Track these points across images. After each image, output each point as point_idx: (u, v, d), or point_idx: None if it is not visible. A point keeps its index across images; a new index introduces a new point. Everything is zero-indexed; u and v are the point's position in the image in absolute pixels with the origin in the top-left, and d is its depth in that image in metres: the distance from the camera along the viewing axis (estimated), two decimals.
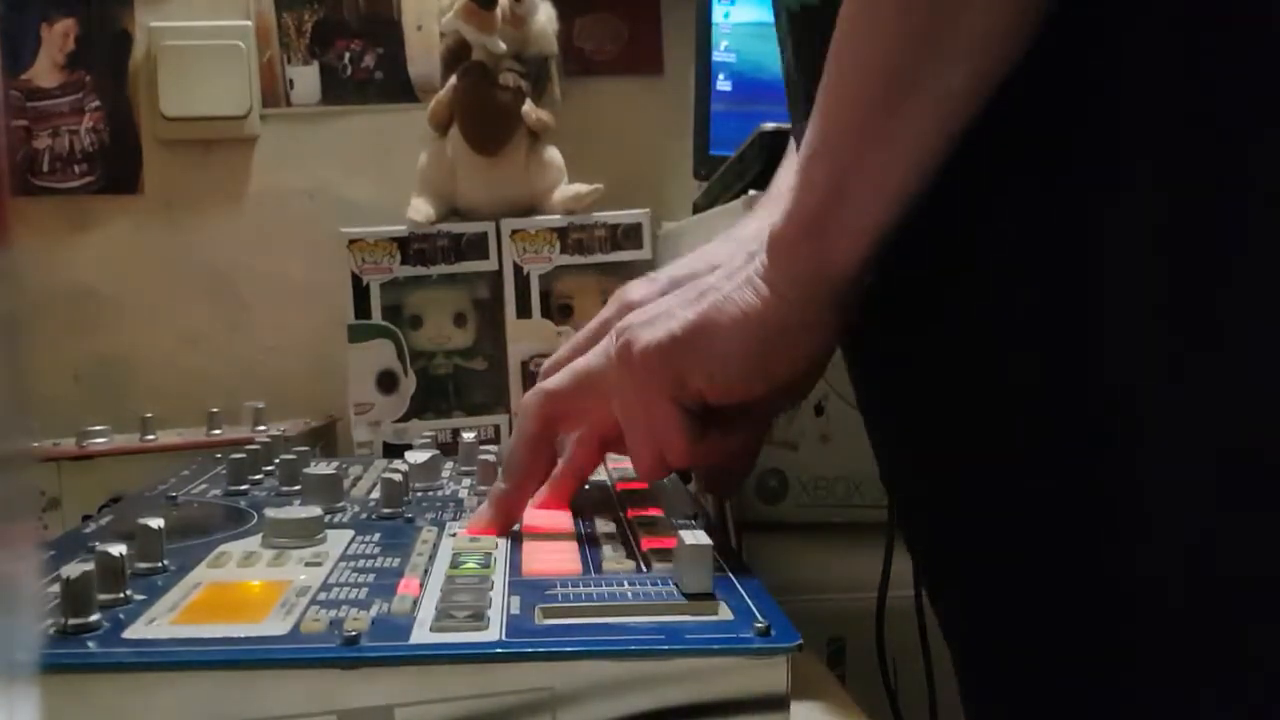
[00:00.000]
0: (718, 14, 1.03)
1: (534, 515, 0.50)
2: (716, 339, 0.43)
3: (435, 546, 0.44)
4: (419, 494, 0.55)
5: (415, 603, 0.37)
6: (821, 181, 0.40)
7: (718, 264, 0.47)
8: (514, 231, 0.98)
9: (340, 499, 0.52)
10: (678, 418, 0.45)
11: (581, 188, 0.99)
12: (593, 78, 1.21)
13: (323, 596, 0.38)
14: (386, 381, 0.97)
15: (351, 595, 0.38)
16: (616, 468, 0.64)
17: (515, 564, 0.42)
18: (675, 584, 0.39)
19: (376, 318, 0.97)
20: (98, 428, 0.87)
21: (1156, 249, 0.34)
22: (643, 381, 0.45)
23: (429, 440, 0.68)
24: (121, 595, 0.37)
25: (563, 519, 0.50)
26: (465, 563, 0.42)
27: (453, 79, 1.01)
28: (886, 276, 0.42)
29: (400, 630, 0.34)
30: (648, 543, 0.45)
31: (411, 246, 0.97)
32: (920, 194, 0.39)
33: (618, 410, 0.47)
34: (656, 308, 0.46)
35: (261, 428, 0.89)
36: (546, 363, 0.54)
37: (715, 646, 0.34)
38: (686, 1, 1.10)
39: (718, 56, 1.02)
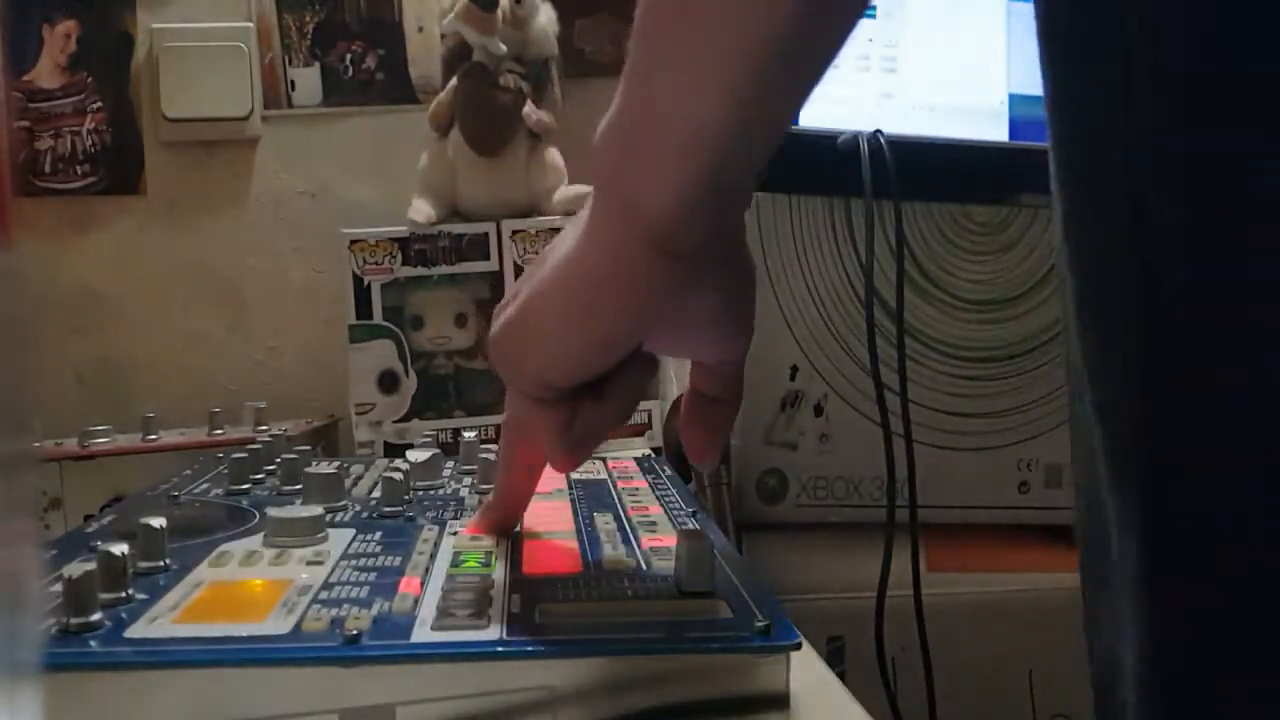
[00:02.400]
0: None
1: (534, 514, 0.50)
2: (541, 313, 0.39)
3: (436, 545, 0.45)
4: (420, 493, 0.55)
5: (416, 601, 0.37)
6: (632, 93, 0.36)
7: None
8: (514, 232, 0.98)
9: (341, 498, 0.52)
10: (533, 411, 0.41)
11: (582, 189, 1.00)
12: (593, 79, 1.21)
13: (324, 595, 0.38)
14: (388, 381, 0.97)
15: (353, 594, 0.38)
16: (616, 466, 0.64)
17: (516, 562, 0.42)
18: (675, 583, 0.39)
19: (378, 318, 0.97)
20: (100, 428, 0.87)
21: None
22: (503, 377, 0.41)
23: (430, 440, 0.68)
24: (123, 594, 0.37)
25: (563, 518, 0.50)
26: (466, 561, 0.42)
27: (453, 80, 1.01)
28: None
29: (401, 629, 0.34)
30: (648, 541, 0.46)
31: (412, 247, 0.97)
32: (743, 121, 0.35)
33: None
34: (519, 283, 0.42)
35: (263, 427, 0.89)
36: None
37: (715, 645, 0.34)
38: None
39: None
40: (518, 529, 0.48)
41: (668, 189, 0.36)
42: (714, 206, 0.37)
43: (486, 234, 0.98)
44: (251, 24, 1.18)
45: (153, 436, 0.88)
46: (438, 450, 0.61)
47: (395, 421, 0.97)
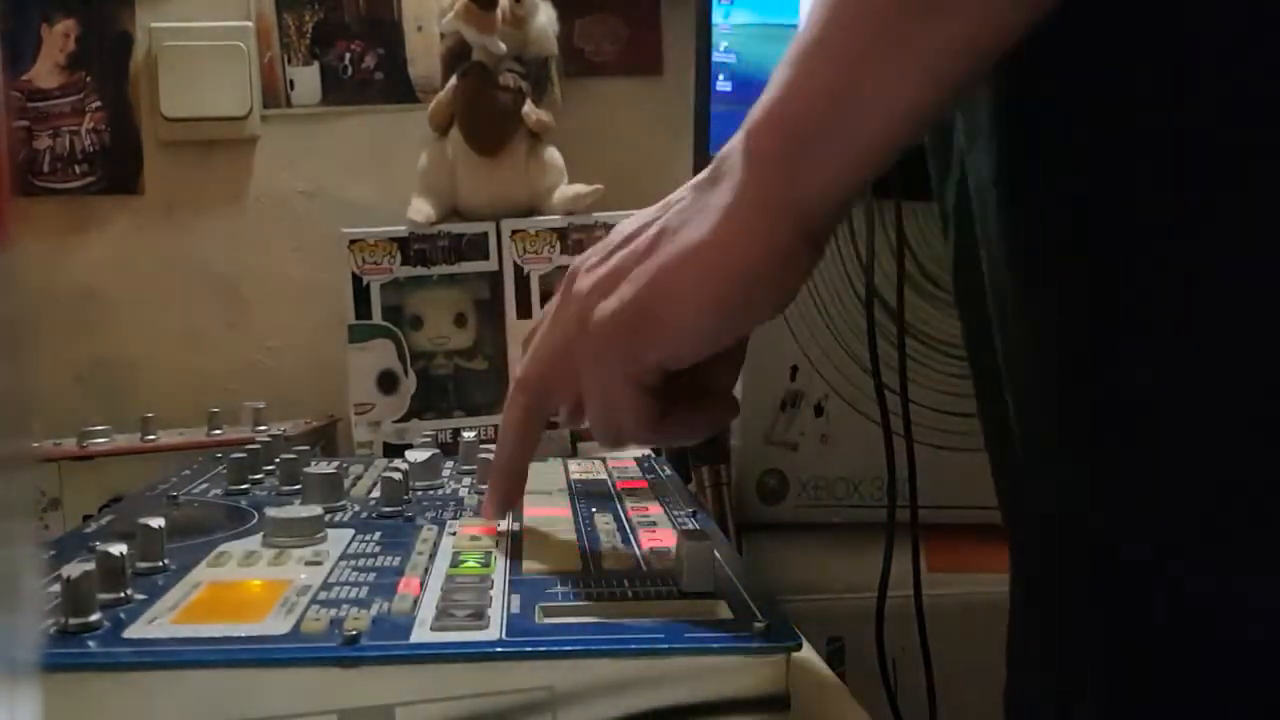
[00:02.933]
0: (717, 15, 1.03)
1: (534, 514, 0.50)
2: (672, 296, 0.37)
3: (435, 545, 0.45)
4: (419, 493, 0.55)
5: (415, 602, 0.37)
6: (820, 81, 0.34)
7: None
8: (514, 232, 0.98)
9: (340, 498, 0.52)
10: (637, 398, 0.40)
11: (581, 188, 1.00)
12: (592, 78, 1.21)
13: (323, 596, 0.38)
14: (387, 381, 0.97)
15: (352, 594, 0.38)
16: (616, 465, 0.64)
17: (516, 562, 0.42)
18: (675, 583, 0.39)
19: (377, 318, 0.97)
20: (99, 428, 0.87)
21: None
22: (600, 358, 0.40)
23: (429, 440, 0.68)
24: (122, 595, 0.37)
25: (563, 518, 0.50)
26: (465, 562, 0.42)
27: (453, 80, 1.01)
28: None
29: (400, 629, 0.34)
30: (648, 541, 0.45)
31: (412, 247, 0.97)
32: (930, 120, 0.34)
33: (581, 383, 0.42)
34: (608, 266, 0.40)
35: (262, 427, 0.89)
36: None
37: (715, 646, 0.34)
38: (686, 2, 1.10)
39: (717, 57, 1.02)
40: (518, 528, 0.48)
41: (845, 189, 0.35)
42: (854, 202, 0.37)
43: (486, 234, 0.98)
44: (251, 23, 1.18)
45: (151, 436, 0.88)
46: (437, 450, 0.60)
47: (394, 421, 0.97)
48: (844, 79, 0.34)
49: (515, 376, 0.46)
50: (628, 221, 0.42)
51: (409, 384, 0.97)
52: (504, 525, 0.48)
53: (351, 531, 0.47)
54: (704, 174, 0.38)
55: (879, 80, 0.33)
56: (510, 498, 0.48)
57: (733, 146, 0.37)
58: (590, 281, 0.40)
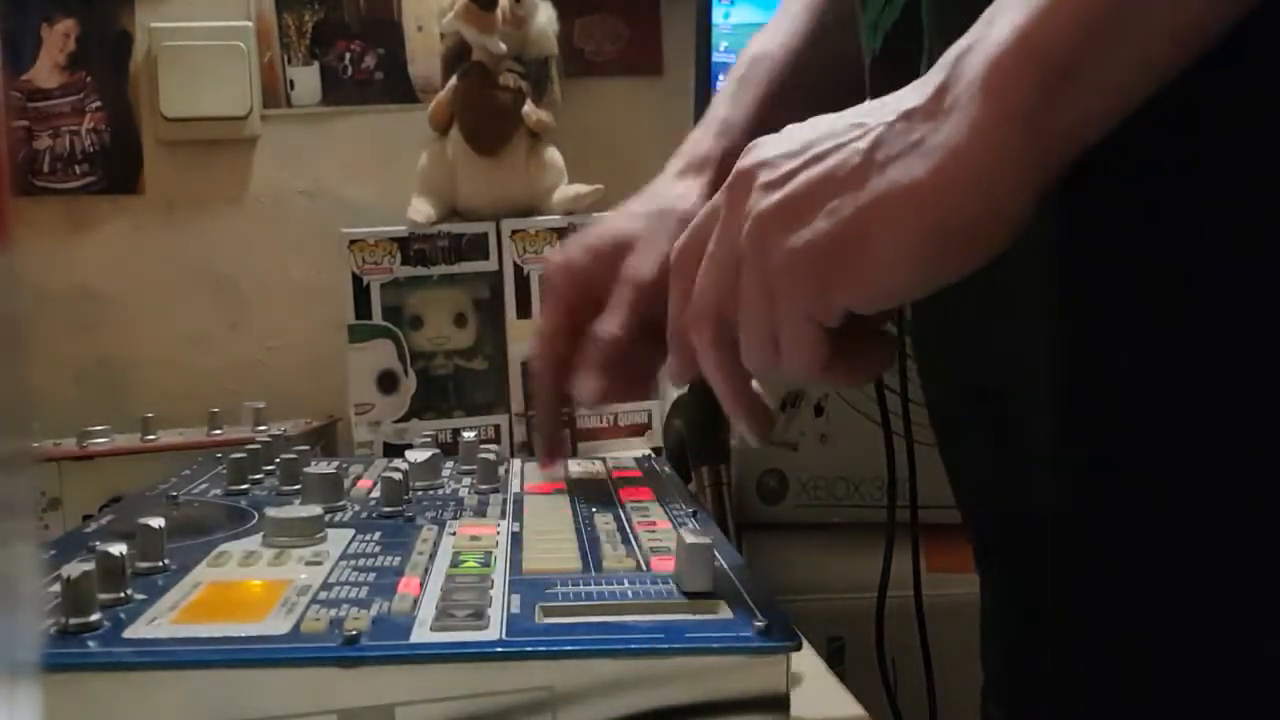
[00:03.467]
0: (718, 15, 1.03)
1: (534, 514, 0.50)
2: (875, 237, 0.33)
3: (435, 545, 0.45)
4: (419, 493, 0.55)
5: (415, 602, 0.37)
6: (1090, 7, 0.30)
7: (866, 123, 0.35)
8: (514, 232, 0.98)
9: (340, 498, 0.52)
10: (812, 338, 0.36)
11: (581, 188, 1.00)
12: (593, 78, 1.21)
13: (323, 596, 0.38)
14: (387, 381, 0.97)
15: (352, 594, 0.38)
16: (616, 467, 0.64)
17: (515, 562, 0.42)
18: (675, 583, 0.39)
19: (377, 318, 0.97)
20: (98, 428, 0.87)
21: None
22: (777, 290, 0.36)
23: (429, 440, 0.68)
24: (122, 595, 0.37)
25: (563, 518, 0.50)
26: (465, 562, 0.42)
27: (453, 80, 1.01)
28: None
29: (400, 629, 0.34)
30: (648, 541, 0.45)
31: (412, 247, 0.97)
32: (1193, 55, 0.30)
33: (742, 306, 0.38)
34: (794, 186, 0.36)
35: (262, 427, 0.89)
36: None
37: (715, 646, 0.34)
38: (686, 2, 1.10)
39: (718, 57, 1.02)
40: (518, 528, 0.48)
41: (1093, 126, 0.31)
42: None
43: (486, 234, 0.98)
44: (251, 23, 1.18)
45: (151, 437, 0.88)
46: (437, 450, 0.60)
47: (394, 421, 0.97)
48: (1116, 5, 0.30)
49: (684, 312, 0.42)
50: (805, 129, 0.37)
51: (409, 384, 0.97)
52: (503, 526, 0.48)
53: (351, 531, 0.47)
54: (917, 100, 0.34)
55: (1158, 6, 0.30)
56: (766, 414, 0.44)
57: (958, 76, 0.32)
58: (773, 201, 0.36)
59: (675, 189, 0.58)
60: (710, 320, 0.40)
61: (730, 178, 0.39)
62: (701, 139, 0.60)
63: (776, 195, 0.36)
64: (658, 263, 0.54)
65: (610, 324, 0.54)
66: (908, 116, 0.33)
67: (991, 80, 0.31)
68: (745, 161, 0.38)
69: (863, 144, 0.34)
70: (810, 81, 0.60)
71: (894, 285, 0.34)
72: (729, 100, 0.61)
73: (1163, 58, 0.30)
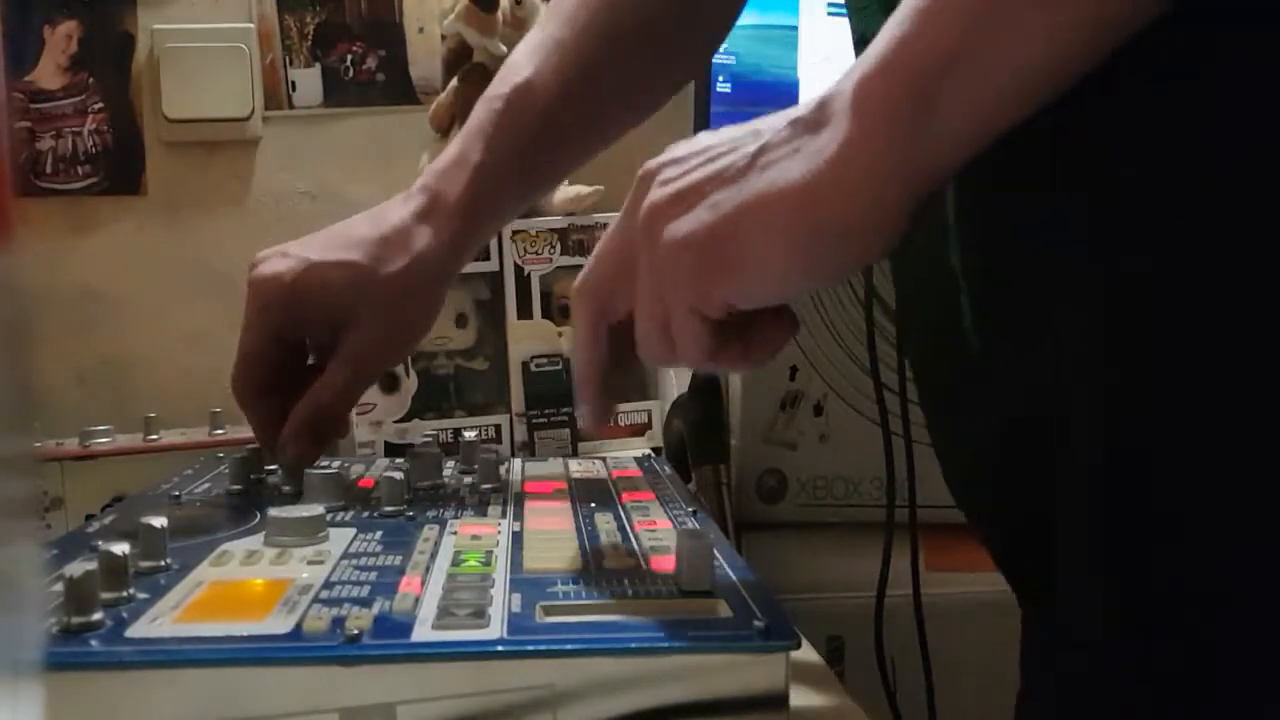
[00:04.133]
0: None
1: (534, 514, 0.50)
2: (755, 234, 0.35)
3: (436, 545, 0.45)
4: (420, 493, 0.55)
5: (417, 601, 0.37)
6: (952, 32, 0.31)
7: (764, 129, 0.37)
8: (514, 232, 0.98)
9: (342, 498, 0.53)
10: (696, 328, 0.38)
11: (582, 189, 1.00)
12: None
13: (325, 595, 0.38)
14: (388, 381, 0.97)
15: (353, 593, 0.38)
16: (616, 467, 0.64)
17: (516, 562, 0.42)
18: (675, 582, 0.39)
19: None
20: (101, 428, 0.87)
21: None
22: (662, 277, 0.38)
23: (430, 440, 0.68)
24: (124, 594, 0.37)
25: (563, 518, 0.50)
26: (466, 561, 0.42)
27: (454, 81, 1.01)
28: None
29: (402, 628, 0.34)
30: (648, 541, 0.46)
31: None
32: (1064, 84, 0.31)
33: (636, 295, 0.40)
34: (687, 180, 0.37)
35: None
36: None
37: (715, 645, 0.34)
38: None
39: (717, 58, 1.02)
40: (518, 528, 0.48)
41: (958, 142, 0.33)
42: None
43: None
44: (252, 24, 1.18)
45: (154, 436, 0.88)
46: (438, 450, 0.61)
47: (395, 421, 0.97)
48: (979, 29, 0.31)
49: (577, 285, 0.44)
50: (708, 134, 0.39)
51: (410, 384, 0.97)
52: (504, 525, 0.48)
53: (353, 531, 0.47)
54: (802, 111, 0.35)
55: (1025, 31, 0.31)
56: (603, 406, 0.46)
57: (839, 92, 0.34)
58: (666, 193, 0.38)
59: (418, 236, 0.58)
60: (593, 295, 0.43)
61: (637, 176, 0.40)
62: (452, 179, 0.58)
63: (670, 188, 0.38)
64: (391, 349, 0.59)
65: (329, 407, 0.58)
66: (792, 124, 0.35)
67: (858, 99, 0.33)
68: (651, 161, 0.40)
69: (752, 147, 0.36)
70: (576, 127, 0.59)
71: (768, 282, 0.36)
72: (484, 140, 0.58)
73: (1036, 81, 0.31)
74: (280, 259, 0.59)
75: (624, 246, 0.41)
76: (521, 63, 0.59)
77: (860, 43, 0.46)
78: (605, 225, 0.97)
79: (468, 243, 0.59)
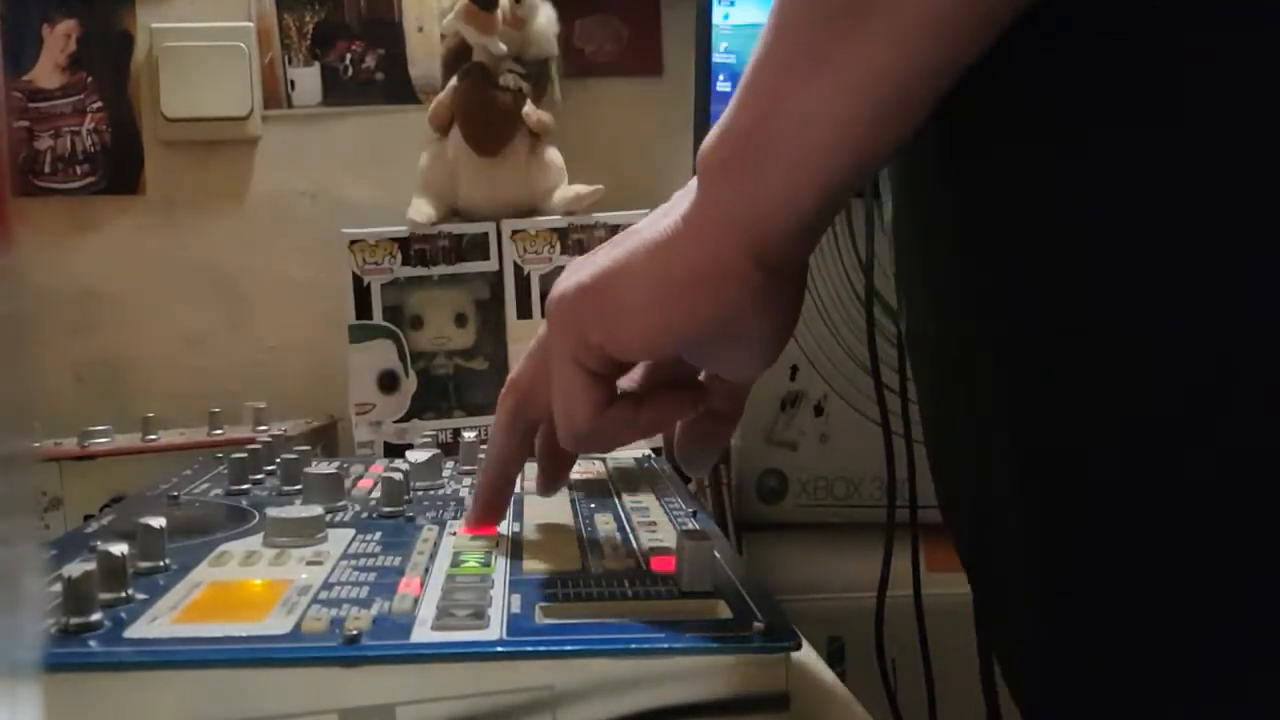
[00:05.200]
0: (717, 15, 1.03)
1: (534, 514, 0.50)
2: (622, 284, 0.39)
3: (436, 545, 0.45)
4: (420, 493, 0.55)
5: (416, 601, 0.37)
6: (759, 101, 0.34)
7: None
8: (514, 232, 0.98)
9: (341, 498, 0.52)
10: (579, 380, 0.40)
11: (582, 189, 1.00)
12: (593, 79, 1.21)
13: (324, 595, 0.38)
14: (387, 381, 0.97)
15: (352, 594, 0.38)
16: (616, 467, 0.64)
17: (516, 562, 0.42)
18: (675, 583, 0.39)
19: (377, 318, 0.97)
20: (99, 428, 0.87)
21: None
22: (554, 337, 0.41)
23: (430, 440, 0.68)
24: (123, 594, 0.37)
25: (564, 518, 0.50)
26: (466, 561, 0.42)
27: (453, 80, 1.01)
28: None
29: (401, 629, 0.34)
30: (648, 541, 0.46)
31: (412, 247, 0.97)
32: (889, 144, 0.33)
33: (549, 374, 0.42)
34: (585, 258, 0.41)
35: (263, 427, 0.89)
36: None
37: (715, 645, 0.34)
38: (686, 2, 1.10)
39: (717, 58, 1.02)
40: (518, 528, 0.48)
41: (787, 207, 0.35)
42: (820, 225, 0.37)
43: (486, 234, 0.98)
44: (251, 24, 1.18)
45: (152, 436, 0.88)
46: (438, 450, 0.61)
47: (395, 421, 0.97)
48: (776, 98, 0.34)
49: (509, 378, 0.46)
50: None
51: (409, 384, 0.97)
52: (504, 526, 0.48)
53: (352, 531, 0.47)
54: (683, 189, 0.39)
55: (804, 100, 0.33)
56: (492, 509, 0.47)
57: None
58: (564, 273, 0.42)
59: None
60: (513, 389, 0.45)
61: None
62: None
63: (571, 266, 0.42)
64: None
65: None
66: (674, 198, 0.39)
67: (700, 165, 0.37)
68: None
69: (642, 224, 0.40)
70: None
71: (631, 327, 0.39)
72: None
73: (860, 131, 0.33)
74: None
75: (541, 341, 0.43)
76: None
77: None
78: (605, 225, 0.97)
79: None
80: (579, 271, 0.40)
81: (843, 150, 0.33)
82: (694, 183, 0.38)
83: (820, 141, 0.33)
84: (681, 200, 0.38)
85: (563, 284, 0.41)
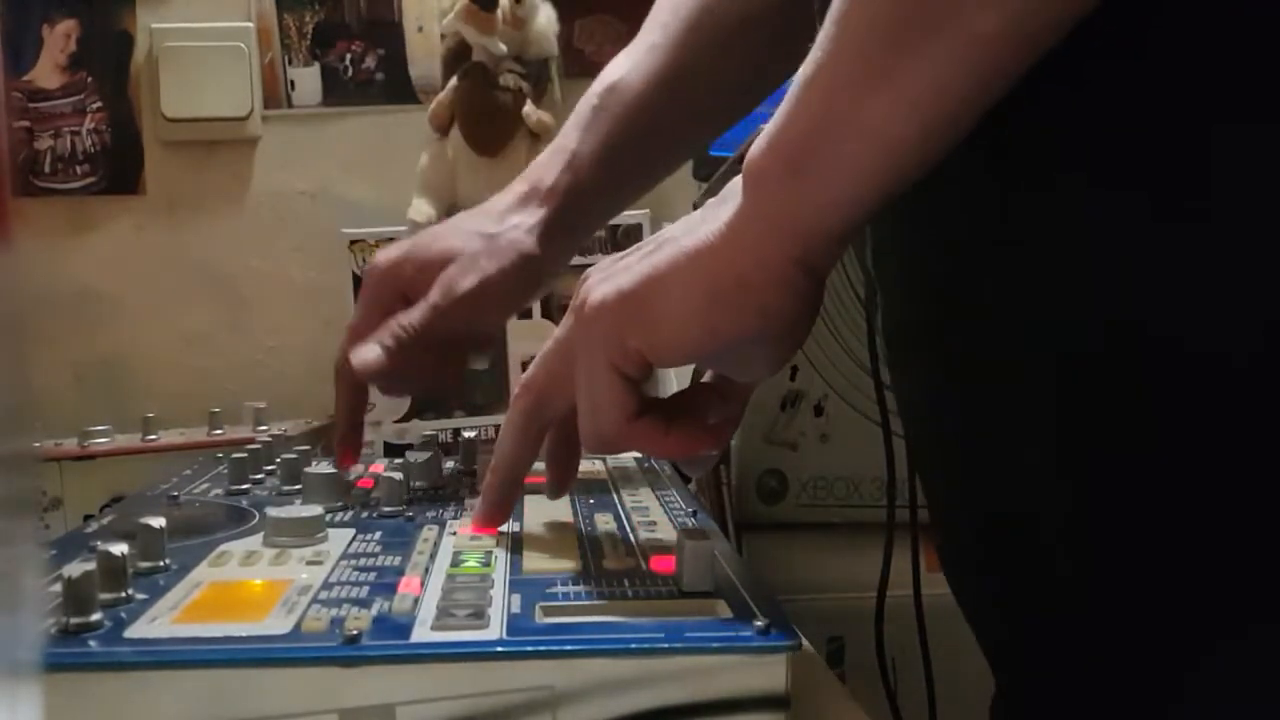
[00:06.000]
0: None
1: (535, 513, 0.50)
2: (664, 291, 0.39)
3: (436, 545, 0.45)
4: (420, 493, 0.55)
5: (416, 601, 0.37)
6: (813, 111, 0.35)
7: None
8: None
9: (341, 498, 0.52)
10: (614, 386, 0.40)
11: None
12: (593, 78, 1.21)
13: (324, 595, 0.38)
14: None
15: (352, 594, 0.38)
16: (616, 467, 0.64)
17: (516, 562, 0.42)
18: (675, 583, 0.39)
19: None
20: (99, 428, 0.87)
21: None
22: (588, 341, 0.41)
23: (430, 440, 0.68)
24: (123, 594, 0.37)
25: (564, 519, 0.50)
26: (466, 561, 0.42)
27: (453, 80, 1.01)
28: None
29: (401, 629, 0.34)
30: (648, 541, 0.46)
31: None
32: (934, 157, 0.34)
33: (575, 377, 0.42)
34: (615, 264, 0.42)
35: (263, 427, 0.89)
36: None
37: (715, 645, 0.34)
38: None
39: None
40: (518, 528, 0.48)
41: (836, 215, 0.36)
42: (858, 233, 0.38)
43: None
44: (251, 24, 1.18)
45: (152, 436, 0.88)
46: (438, 450, 0.61)
47: (395, 421, 0.97)
48: (833, 109, 0.35)
49: (522, 380, 0.46)
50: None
51: None
52: (504, 525, 0.48)
53: (352, 531, 0.47)
54: (717, 197, 0.40)
55: (862, 114, 0.34)
56: (501, 508, 0.48)
57: (744, 166, 0.39)
58: (598, 276, 0.41)
59: (511, 217, 0.59)
60: (528, 389, 0.45)
61: (578, 284, 0.43)
62: (548, 168, 0.60)
63: (601, 272, 0.42)
64: (474, 280, 0.57)
65: (409, 318, 0.57)
66: (707, 207, 0.40)
67: (747, 174, 0.37)
68: (589, 269, 0.43)
69: (676, 230, 0.40)
70: (666, 123, 0.60)
71: (674, 334, 0.39)
72: (579, 131, 0.61)
73: (902, 145, 0.34)
74: (391, 249, 0.62)
75: (565, 344, 0.43)
76: (618, 63, 0.62)
77: None
78: (606, 225, 0.97)
79: (556, 229, 0.60)
80: (615, 278, 0.40)
81: (894, 163, 0.34)
82: (733, 189, 0.38)
83: (875, 153, 0.34)
84: (721, 207, 0.39)
85: (600, 289, 0.40)
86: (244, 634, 0.34)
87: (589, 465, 0.64)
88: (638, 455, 0.67)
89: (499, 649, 0.33)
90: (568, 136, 0.61)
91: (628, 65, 0.61)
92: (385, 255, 0.61)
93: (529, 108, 1.00)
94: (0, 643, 0.20)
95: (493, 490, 0.48)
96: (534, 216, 0.59)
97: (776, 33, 0.59)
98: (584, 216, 0.62)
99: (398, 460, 0.62)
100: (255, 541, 0.45)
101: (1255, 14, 0.31)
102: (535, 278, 0.60)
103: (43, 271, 1.13)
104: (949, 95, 0.33)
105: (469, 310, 0.57)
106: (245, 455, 0.60)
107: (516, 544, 0.45)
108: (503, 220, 0.59)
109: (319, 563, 0.42)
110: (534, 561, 0.42)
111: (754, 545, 0.88)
